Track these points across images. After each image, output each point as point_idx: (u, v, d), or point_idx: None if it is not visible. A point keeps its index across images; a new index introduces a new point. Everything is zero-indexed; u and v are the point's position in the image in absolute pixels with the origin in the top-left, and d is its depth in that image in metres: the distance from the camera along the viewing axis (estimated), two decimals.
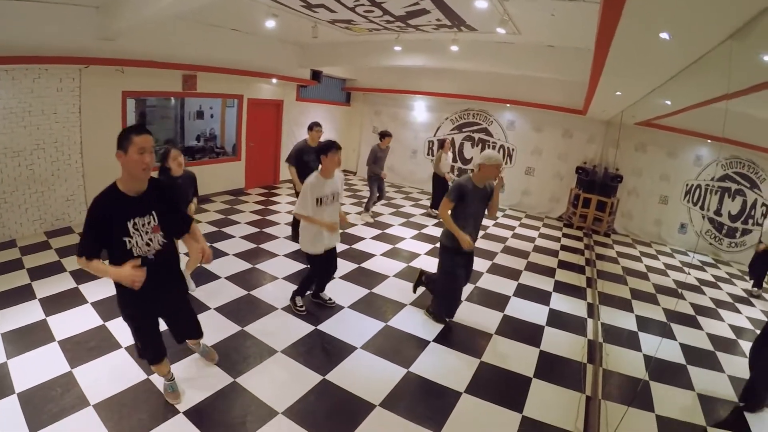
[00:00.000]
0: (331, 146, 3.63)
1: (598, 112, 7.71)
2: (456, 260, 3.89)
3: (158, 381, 2.93)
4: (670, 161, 8.26)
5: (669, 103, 4.80)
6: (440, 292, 4.18)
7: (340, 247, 5.98)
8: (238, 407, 2.80)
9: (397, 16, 5.61)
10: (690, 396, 3.48)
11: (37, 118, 5.38)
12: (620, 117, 7.62)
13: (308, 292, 4.30)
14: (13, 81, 5.09)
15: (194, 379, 3.03)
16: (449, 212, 3.76)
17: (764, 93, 2.83)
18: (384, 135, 7.64)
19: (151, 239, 2.27)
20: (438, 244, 6.46)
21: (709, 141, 7.44)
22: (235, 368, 3.18)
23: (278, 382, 3.09)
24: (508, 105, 9.73)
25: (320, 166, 3.70)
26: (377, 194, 7.84)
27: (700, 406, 3.36)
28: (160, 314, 2.56)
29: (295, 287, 4.25)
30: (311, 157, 5.38)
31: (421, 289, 4.68)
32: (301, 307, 4.14)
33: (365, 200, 9.00)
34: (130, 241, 2.18)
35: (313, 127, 5.75)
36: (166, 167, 3.76)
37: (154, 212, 2.28)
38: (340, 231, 5.19)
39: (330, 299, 4.36)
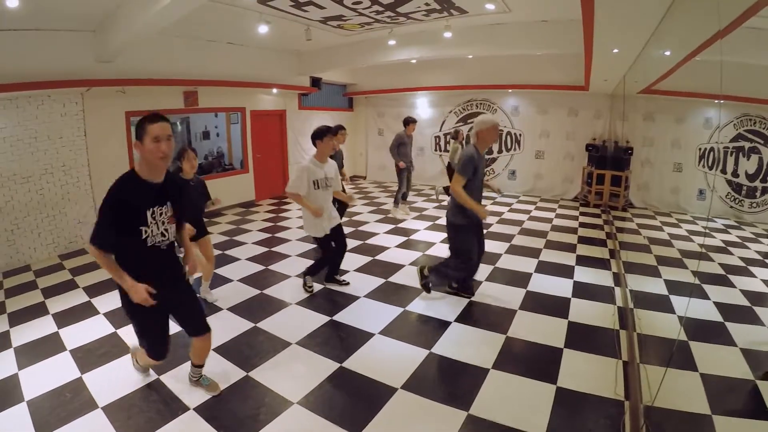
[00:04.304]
0: (327, 131, 3.87)
1: (600, 83, 7.50)
2: (471, 238, 3.84)
3: (168, 380, 2.85)
4: (679, 127, 7.98)
5: (668, 53, 4.60)
6: (457, 272, 4.02)
7: (352, 243, 5.89)
8: (250, 401, 2.67)
9: (385, 5, 5.55)
10: (733, 352, 3.26)
11: (43, 143, 5.45)
12: (623, 86, 7.39)
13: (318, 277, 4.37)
14: (17, 109, 5.17)
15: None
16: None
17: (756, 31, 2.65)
18: (409, 122, 7.33)
19: (167, 229, 2.21)
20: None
21: (716, 101, 7.16)
22: (248, 363, 3.07)
23: (293, 373, 2.96)
24: (509, 90, 9.58)
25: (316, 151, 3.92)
26: (404, 188, 7.55)
27: (744, 360, 3.13)
28: (167, 309, 2.41)
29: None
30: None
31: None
32: (311, 287, 4.26)
33: (377, 200, 8.88)
34: (146, 231, 2.11)
35: (337, 131, 5.17)
36: (179, 167, 3.70)
37: (169, 203, 2.23)
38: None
39: (344, 280, 4.47)
